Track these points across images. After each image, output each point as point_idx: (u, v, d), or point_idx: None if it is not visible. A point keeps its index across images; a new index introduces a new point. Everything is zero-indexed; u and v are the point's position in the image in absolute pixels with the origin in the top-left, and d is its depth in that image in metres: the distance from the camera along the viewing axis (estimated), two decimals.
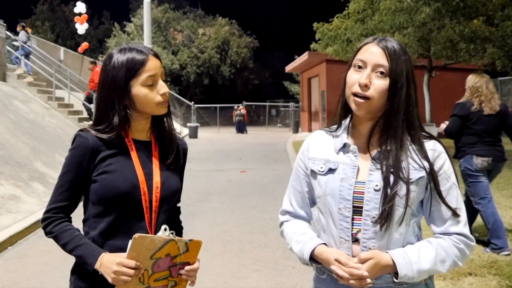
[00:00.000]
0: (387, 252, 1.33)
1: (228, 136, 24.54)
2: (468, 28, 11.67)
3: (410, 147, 1.38)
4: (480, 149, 4.35)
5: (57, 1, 47.08)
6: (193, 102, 27.47)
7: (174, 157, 1.59)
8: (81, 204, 1.59)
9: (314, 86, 25.48)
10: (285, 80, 39.91)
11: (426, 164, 1.36)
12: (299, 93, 32.11)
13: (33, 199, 6.84)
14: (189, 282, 1.52)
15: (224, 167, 11.66)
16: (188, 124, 23.35)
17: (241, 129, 27.74)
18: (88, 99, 14.45)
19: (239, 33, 43.60)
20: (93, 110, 14.33)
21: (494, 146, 4.39)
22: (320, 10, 26.83)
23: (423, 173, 1.35)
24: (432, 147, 1.40)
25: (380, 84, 1.34)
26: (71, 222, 1.54)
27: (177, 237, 1.44)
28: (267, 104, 35.45)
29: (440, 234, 1.39)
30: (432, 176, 1.36)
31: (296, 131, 27.44)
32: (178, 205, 1.74)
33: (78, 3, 19.67)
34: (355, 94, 1.36)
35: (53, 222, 1.50)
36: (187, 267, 1.47)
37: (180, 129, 21.63)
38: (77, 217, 1.59)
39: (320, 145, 1.49)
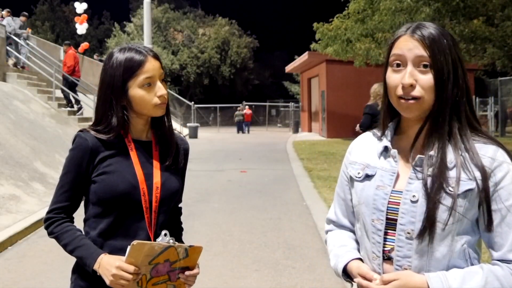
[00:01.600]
0: (423, 274, 1.14)
1: (228, 136, 24.55)
2: (468, 28, 11.67)
3: (462, 151, 1.17)
4: None
5: (57, 1, 47.09)
6: (193, 102, 27.49)
7: (174, 157, 1.59)
8: (82, 204, 1.59)
9: (314, 86, 25.48)
10: (285, 80, 39.94)
11: (478, 174, 1.13)
12: (299, 93, 32.14)
13: (33, 199, 6.84)
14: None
15: (224, 167, 11.66)
16: (188, 124, 23.36)
17: (241, 128, 27.94)
18: (66, 83, 14.20)
19: (239, 33, 43.62)
20: (73, 96, 14.19)
21: None
22: (320, 10, 26.85)
23: (473, 185, 1.13)
24: (491, 154, 1.16)
25: (426, 79, 1.15)
26: (73, 222, 1.54)
27: (177, 243, 1.42)
28: (267, 104, 35.47)
29: (497, 260, 1.15)
30: (485, 191, 1.13)
31: (296, 131, 27.46)
32: (179, 205, 1.74)
33: (77, 3, 19.68)
34: (401, 97, 1.18)
35: (55, 222, 1.50)
36: (186, 272, 1.45)
37: (180, 129, 21.64)
38: (80, 217, 1.59)
39: (363, 148, 1.35)
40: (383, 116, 1.33)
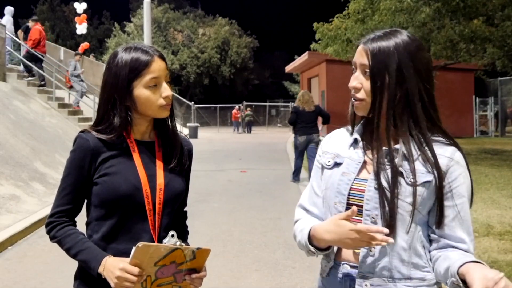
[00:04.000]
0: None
1: (228, 136, 24.56)
2: (468, 28, 11.66)
3: (420, 148, 1.29)
4: (301, 131, 8.51)
5: (57, 1, 47.12)
6: (193, 102, 27.49)
7: (178, 158, 1.56)
8: (85, 206, 1.56)
9: (314, 86, 25.47)
10: (285, 80, 39.95)
11: (435, 170, 1.26)
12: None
13: (33, 199, 6.84)
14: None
15: (224, 167, 11.66)
16: (188, 124, 23.35)
17: (250, 129, 28.30)
18: (29, 56, 13.99)
19: (239, 33, 43.63)
20: (38, 71, 14.02)
21: (309, 129, 8.45)
22: (320, 10, 26.84)
23: (431, 178, 1.26)
24: (449, 154, 1.29)
25: (367, 84, 1.31)
26: (75, 225, 1.50)
27: (184, 245, 1.39)
28: (267, 104, 35.48)
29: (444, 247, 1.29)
30: (440, 188, 1.25)
31: None
32: (185, 209, 1.70)
33: (76, 3, 19.69)
34: (353, 98, 1.37)
35: (57, 226, 1.46)
36: (193, 275, 1.42)
37: (180, 129, 21.64)
38: (83, 218, 1.57)
39: (336, 140, 1.48)
40: (350, 113, 1.46)
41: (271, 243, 5.17)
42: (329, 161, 1.42)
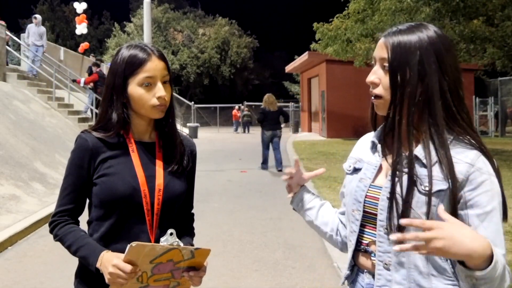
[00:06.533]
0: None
1: (228, 136, 24.55)
2: (468, 28, 11.67)
3: (439, 152, 1.17)
4: (268, 127, 10.53)
5: (57, 1, 47.10)
6: (193, 102, 27.49)
7: (179, 159, 1.55)
8: (87, 206, 1.58)
9: (314, 86, 25.47)
10: (285, 80, 39.94)
11: (449, 177, 1.14)
12: (299, 93, 32.16)
13: (33, 199, 6.84)
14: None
15: (224, 167, 11.66)
16: (188, 124, 23.35)
17: (248, 128, 28.40)
18: None
19: (239, 33, 43.62)
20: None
21: (274, 126, 10.56)
22: (320, 10, 26.84)
23: (446, 186, 1.13)
24: (471, 160, 1.15)
25: (386, 79, 1.22)
26: (77, 224, 1.51)
27: (182, 246, 1.38)
28: None
29: None
30: (454, 196, 1.13)
31: (296, 131, 27.47)
32: (192, 211, 1.69)
33: (76, 3, 19.69)
34: (371, 95, 1.28)
35: (58, 225, 1.48)
36: (191, 272, 1.41)
37: (180, 129, 21.64)
38: (87, 217, 1.57)
39: (362, 144, 1.42)
40: (370, 114, 1.38)
41: (271, 243, 5.17)
42: (350, 166, 1.38)
